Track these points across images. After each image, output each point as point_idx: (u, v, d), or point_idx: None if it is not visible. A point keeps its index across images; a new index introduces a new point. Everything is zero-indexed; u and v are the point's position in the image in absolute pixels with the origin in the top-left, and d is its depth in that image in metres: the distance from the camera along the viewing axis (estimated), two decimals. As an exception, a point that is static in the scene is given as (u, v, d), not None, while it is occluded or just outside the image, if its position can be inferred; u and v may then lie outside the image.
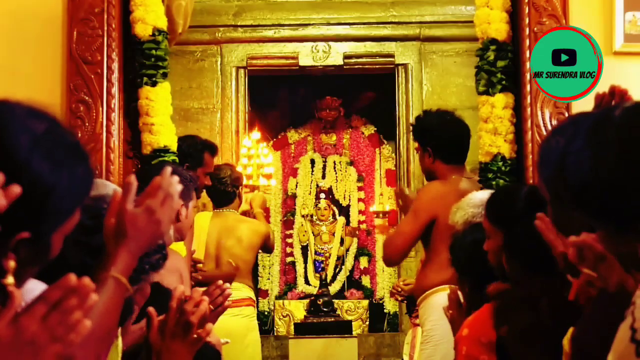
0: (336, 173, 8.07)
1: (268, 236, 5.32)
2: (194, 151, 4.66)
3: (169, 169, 1.74)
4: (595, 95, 2.53)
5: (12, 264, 1.20)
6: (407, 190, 4.26)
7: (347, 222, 7.99)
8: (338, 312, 7.12)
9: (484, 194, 3.11)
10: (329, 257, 7.86)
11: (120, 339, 2.23)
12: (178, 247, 3.61)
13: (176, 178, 1.75)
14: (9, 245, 1.20)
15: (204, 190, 4.93)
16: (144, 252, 1.71)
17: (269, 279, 7.79)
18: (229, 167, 5.50)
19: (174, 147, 4.46)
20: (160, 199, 1.68)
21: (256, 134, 6.59)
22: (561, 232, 1.63)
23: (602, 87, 2.71)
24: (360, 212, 8.02)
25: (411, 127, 4.20)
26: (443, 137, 3.97)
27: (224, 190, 5.18)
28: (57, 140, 1.25)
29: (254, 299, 5.23)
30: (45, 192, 1.21)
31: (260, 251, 5.47)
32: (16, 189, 1.15)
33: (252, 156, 6.41)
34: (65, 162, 1.24)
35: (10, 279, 1.20)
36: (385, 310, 7.64)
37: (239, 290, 4.97)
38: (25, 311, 1.11)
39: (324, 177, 8.09)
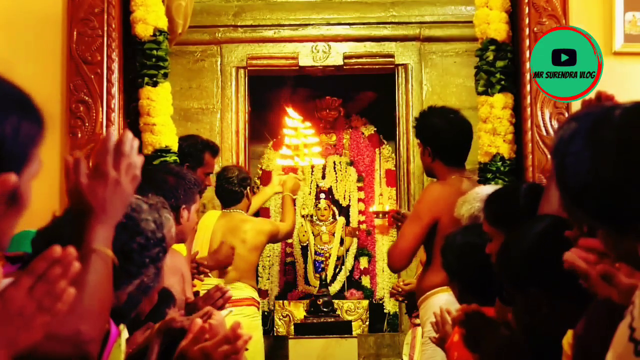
0: (336, 173, 8.07)
1: (275, 233, 5.32)
2: (194, 151, 4.65)
3: (111, 131, 1.74)
4: (581, 101, 2.52)
5: None
6: (403, 210, 4.27)
7: (347, 223, 7.99)
8: (338, 312, 7.12)
9: (491, 189, 3.10)
10: (329, 258, 7.85)
11: (123, 339, 2.23)
12: (179, 247, 3.62)
13: (130, 135, 1.74)
14: None
15: (205, 190, 4.94)
16: (118, 218, 1.70)
17: (268, 279, 7.78)
18: (237, 167, 5.54)
19: (175, 147, 4.46)
20: (110, 161, 1.67)
21: (294, 113, 6.65)
22: (569, 217, 1.63)
23: (602, 87, 2.71)
24: (360, 212, 8.02)
25: (414, 122, 4.16)
26: (444, 139, 3.93)
27: (231, 190, 5.19)
28: None
29: (257, 299, 5.22)
30: None
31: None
32: (12, 178, 1.16)
33: (297, 136, 6.46)
34: (10, 110, 1.25)
35: None
36: (385, 311, 7.64)
37: (241, 289, 4.97)
38: (12, 284, 1.12)
39: (323, 177, 8.09)
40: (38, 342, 1.16)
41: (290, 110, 6.72)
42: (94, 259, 1.61)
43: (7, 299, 1.12)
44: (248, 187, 5.27)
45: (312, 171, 8.06)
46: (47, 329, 1.14)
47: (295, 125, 6.55)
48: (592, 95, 2.42)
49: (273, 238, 5.35)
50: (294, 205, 5.86)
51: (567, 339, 1.68)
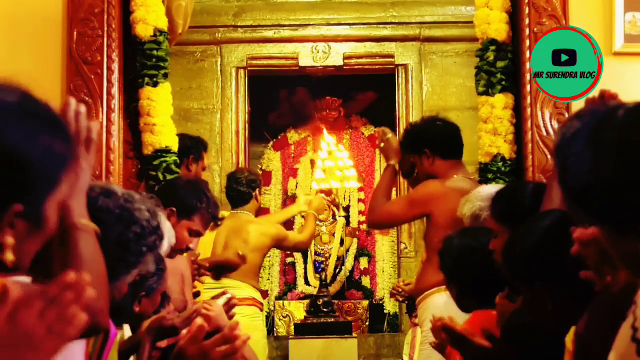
0: (336, 173, 8.08)
1: (282, 238, 5.29)
2: (195, 144, 4.73)
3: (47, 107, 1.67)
4: (585, 100, 2.53)
5: (10, 240, 1.20)
6: (389, 133, 4.23)
7: (347, 223, 7.99)
8: (338, 312, 7.11)
9: (493, 188, 3.12)
10: (329, 258, 7.85)
11: (117, 339, 2.23)
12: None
13: (72, 101, 1.67)
14: (4, 221, 1.19)
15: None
16: (85, 186, 1.68)
17: (268, 279, 7.78)
18: (247, 169, 5.63)
19: (175, 147, 4.47)
20: None
21: (329, 137, 6.73)
22: (572, 215, 1.63)
23: (602, 87, 2.71)
24: (360, 212, 8.01)
25: (401, 144, 4.15)
26: (436, 133, 3.97)
27: (240, 191, 5.22)
28: (30, 111, 1.24)
29: (259, 300, 5.20)
30: (23, 162, 1.21)
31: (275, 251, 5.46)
32: (18, 208, 1.17)
33: (333, 158, 6.55)
34: (40, 132, 1.24)
35: (9, 255, 1.20)
36: (385, 311, 7.64)
37: (241, 289, 4.96)
38: (24, 305, 1.12)
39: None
40: None
41: (325, 133, 6.82)
42: (79, 234, 1.61)
43: (18, 320, 1.11)
44: (257, 189, 5.29)
45: (312, 172, 8.05)
46: (56, 354, 1.14)
47: (330, 149, 6.65)
48: (595, 94, 2.43)
49: (278, 242, 5.30)
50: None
51: (570, 336, 1.68)
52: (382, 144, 4.17)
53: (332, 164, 6.76)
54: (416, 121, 4.23)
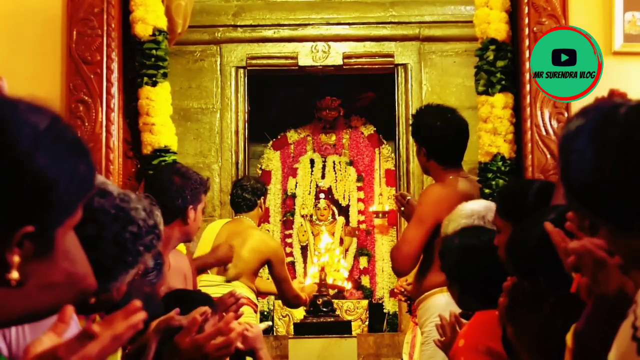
0: (336, 173, 8.07)
1: (279, 257, 5.19)
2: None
3: None
4: (595, 99, 2.53)
5: (16, 258, 1.21)
6: (409, 196, 4.18)
7: (347, 222, 7.99)
8: (337, 312, 7.11)
9: (475, 204, 3.11)
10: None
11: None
12: (180, 247, 3.62)
13: None
14: (13, 240, 1.20)
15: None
16: None
17: (268, 278, 7.78)
18: (254, 177, 5.70)
19: (174, 147, 4.47)
20: None
21: (329, 238, 6.84)
22: (575, 213, 1.62)
23: (602, 87, 2.71)
24: (359, 212, 8.02)
25: (411, 119, 4.13)
26: (439, 141, 3.86)
27: (244, 197, 5.25)
28: (59, 135, 1.25)
29: (254, 301, 5.20)
30: (47, 186, 1.21)
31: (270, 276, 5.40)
32: (28, 229, 1.20)
33: (331, 256, 6.74)
34: (67, 157, 1.24)
35: (14, 274, 1.21)
36: (384, 311, 7.64)
37: (236, 287, 4.96)
38: (96, 342, 1.22)
39: (323, 177, 8.09)
40: (36, 300, 1.25)
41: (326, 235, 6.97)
42: None
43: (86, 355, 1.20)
44: (262, 198, 5.31)
45: (312, 172, 8.05)
46: None
47: (329, 247, 6.76)
48: (595, 94, 2.43)
49: (274, 259, 5.20)
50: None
51: (571, 333, 1.68)
52: (402, 208, 4.09)
53: (327, 260, 6.94)
54: (429, 108, 4.04)
